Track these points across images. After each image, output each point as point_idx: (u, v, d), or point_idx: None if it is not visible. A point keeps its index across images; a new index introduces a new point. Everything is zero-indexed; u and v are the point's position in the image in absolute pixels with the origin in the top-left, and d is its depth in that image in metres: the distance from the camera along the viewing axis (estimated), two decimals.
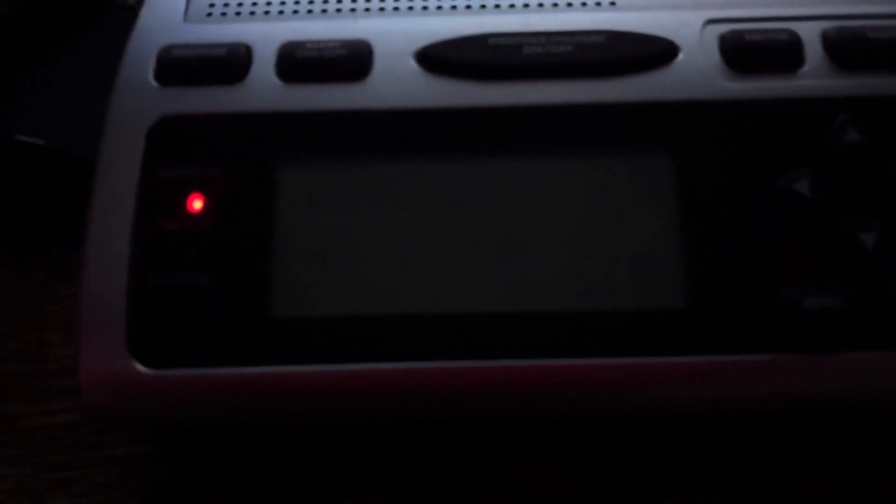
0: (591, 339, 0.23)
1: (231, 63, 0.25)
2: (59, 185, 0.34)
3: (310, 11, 0.27)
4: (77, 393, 0.27)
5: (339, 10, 0.27)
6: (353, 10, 0.27)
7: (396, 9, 0.27)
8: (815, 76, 0.25)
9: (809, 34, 0.25)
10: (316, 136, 0.24)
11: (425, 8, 0.27)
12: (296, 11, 0.27)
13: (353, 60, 0.25)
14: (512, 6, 0.27)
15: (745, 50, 0.25)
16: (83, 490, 0.25)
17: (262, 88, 0.25)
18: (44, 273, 0.32)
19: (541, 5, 0.27)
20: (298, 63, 0.25)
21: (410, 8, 0.27)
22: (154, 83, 0.25)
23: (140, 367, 0.22)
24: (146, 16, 0.27)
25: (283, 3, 0.27)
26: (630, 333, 0.23)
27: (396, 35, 0.26)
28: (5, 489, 0.25)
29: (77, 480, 0.26)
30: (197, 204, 0.24)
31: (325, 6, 0.27)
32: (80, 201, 0.35)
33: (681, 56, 0.25)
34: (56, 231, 0.33)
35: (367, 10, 0.27)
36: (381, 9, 0.27)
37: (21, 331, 0.30)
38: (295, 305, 0.23)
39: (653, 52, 0.25)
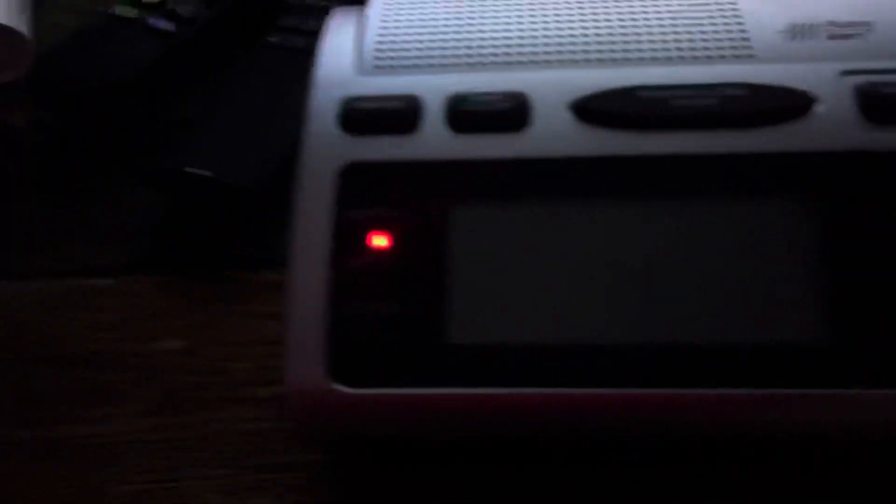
0: (737, 370, 0.25)
1: (406, 114, 0.28)
2: (224, 211, 0.38)
3: (469, 64, 0.30)
4: (259, 403, 0.31)
5: (495, 63, 0.30)
6: (508, 63, 0.30)
7: (548, 62, 0.30)
8: None
9: None
10: (483, 182, 0.27)
11: (575, 61, 0.30)
12: (456, 64, 0.30)
13: (514, 112, 0.28)
14: (656, 59, 0.29)
15: (880, 101, 0.27)
16: (278, 492, 0.29)
17: (435, 138, 0.28)
18: (215, 292, 0.35)
19: (683, 58, 0.29)
20: (465, 115, 0.28)
21: (561, 61, 0.30)
22: (340, 132, 0.28)
23: (339, 387, 0.25)
24: (322, 69, 0.30)
25: (443, 56, 0.30)
26: (770, 365, 0.25)
27: (551, 87, 0.28)
28: (212, 489, 0.29)
29: (272, 482, 0.29)
30: (382, 241, 0.27)
31: (481, 59, 0.30)
32: (243, 226, 0.39)
33: (817, 107, 0.27)
34: (224, 254, 0.37)
35: (522, 63, 0.30)
36: (534, 62, 0.30)
37: (201, 346, 0.33)
38: (471, 333, 0.26)
39: (791, 104, 0.27)
